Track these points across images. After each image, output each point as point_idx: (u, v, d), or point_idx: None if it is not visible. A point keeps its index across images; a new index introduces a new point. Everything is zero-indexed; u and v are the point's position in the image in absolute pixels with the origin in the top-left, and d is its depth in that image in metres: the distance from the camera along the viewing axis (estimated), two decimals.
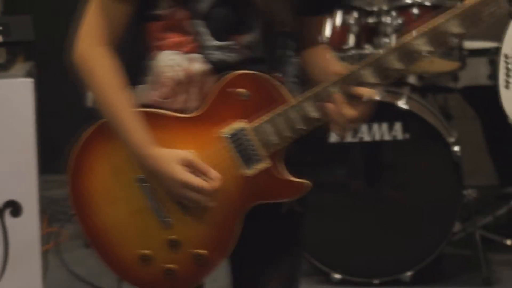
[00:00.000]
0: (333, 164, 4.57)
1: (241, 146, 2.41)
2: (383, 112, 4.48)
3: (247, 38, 2.45)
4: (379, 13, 4.73)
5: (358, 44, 4.65)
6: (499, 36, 5.13)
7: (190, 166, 2.39)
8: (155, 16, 2.48)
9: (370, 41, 4.61)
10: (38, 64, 4.66)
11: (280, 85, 2.40)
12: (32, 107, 3.49)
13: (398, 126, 4.49)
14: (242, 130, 2.40)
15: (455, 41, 2.30)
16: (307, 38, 2.58)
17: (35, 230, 3.46)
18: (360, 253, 4.57)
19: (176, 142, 2.45)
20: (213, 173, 2.38)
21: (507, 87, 3.45)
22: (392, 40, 4.66)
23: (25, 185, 3.42)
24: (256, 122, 2.39)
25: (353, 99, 2.35)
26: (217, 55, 2.44)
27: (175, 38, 2.48)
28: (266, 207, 2.45)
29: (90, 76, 2.47)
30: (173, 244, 2.48)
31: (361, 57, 4.64)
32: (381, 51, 2.34)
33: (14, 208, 3.41)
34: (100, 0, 2.48)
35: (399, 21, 4.69)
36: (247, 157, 2.41)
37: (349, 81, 2.34)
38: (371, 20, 4.71)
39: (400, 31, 4.69)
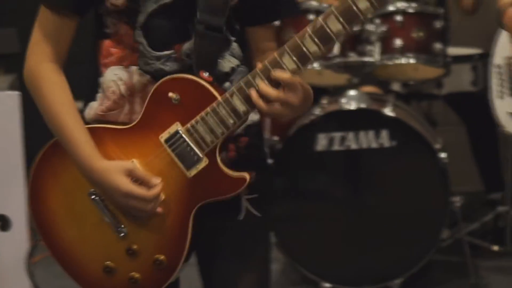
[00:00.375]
0: (321, 172, 4.58)
1: (179, 149, 2.47)
2: (369, 120, 4.53)
3: (186, 46, 2.51)
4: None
5: (343, 52, 4.63)
6: (482, 43, 5.16)
7: (132, 176, 2.43)
8: (105, 34, 2.54)
9: (354, 49, 4.61)
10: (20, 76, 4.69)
11: (208, 84, 2.45)
12: (19, 120, 3.48)
13: (384, 133, 4.50)
14: (177, 133, 2.46)
15: (362, 17, 2.35)
16: (255, 48, 2.64)
17: (24, 243, 3.45)
18: (349, 261, 4.58)
19: (120, 153, 2.50)
20: (153, 180, 2.43)
21: (501, 97, 3.47)
22: (376, 48, 4.68)
23: (13, 199, 3.41)
24: (189, 124, 2.44)
25: (277, 84, 2.38)
26: (156, 65, 2.50)
27: (119, 53, 2.53)
28: (224, 213, 2.52)
29: (38, 92, 2.50)
30: (132, 253, 2.50)
31: (346, 65, 4.67)
32: (296, 37, 2.39)
33: (3, 222, 3.41)
34: (44, 17, 2.51)
35: (383, 28, 4.69)
36: (186, 159, 2.46)
37: (269, 69, 2.39)
38: (355, 28, 4.70)
39: (384, 38, 4.71)
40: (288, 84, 2.39)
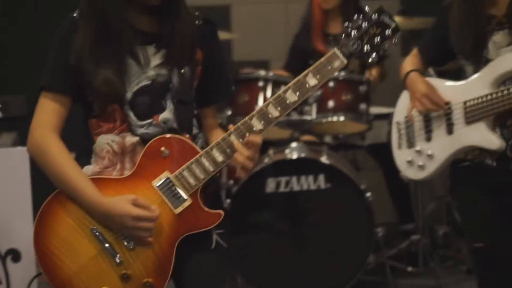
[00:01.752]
0: (270, 210, 4.59)
1: (168, 191, 2.56)
2: (309, 166, 4.56)
3: (162, 116, 2.63)
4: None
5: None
6: (395, 102, 5.25)
7: (136, 204, 2.49)
8: (92, 115, 2.64)
9: (295, 109, 4.63)
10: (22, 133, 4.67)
11: (190, 141, 2.59)
12: (28, 171, 3.49)
13: (321, 177, 4.52)
14: (167, 179, 2.56)
15: (312, 90, 2.56)
16: (204, 123, 2.79)
17: (32, 272, 3.42)
18: (293, 281, 4.58)
19: (118, 195, 2.55)
20: (153, 206, 2.51)
21: (399, 148, 3.54)
22: (313, 108, 4.72)
23: (23, 235, 3.40)
24: (178, 171, 2.55)
25: (247, 144, 2.53)
26: (142, 130, 2.62)
27: (108, 125, 2.63)
28: (199, 242, 2.60)
29: (45, 156, 2.57)
30: (125, 277, 2.55)
31: (289, 122, 4.70)
32: (262, 105, 2.60)
33: (14, 255, 3.40)
34: (45, 98, 2.62)
35: (318, 92, 4.72)
36: (174, 199, 2.56)
37: (241, 129, 2.55)
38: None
39: (319, 100, 4.75)
40: (256, 144, 2.53)
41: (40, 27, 6.35)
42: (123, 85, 2.59)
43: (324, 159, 4.57)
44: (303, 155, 4.62)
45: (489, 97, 3.11)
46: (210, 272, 2.64)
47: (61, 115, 2.63)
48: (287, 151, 4.67)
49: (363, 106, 4.81)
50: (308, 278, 4.57)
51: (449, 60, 3.37)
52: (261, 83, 4.75)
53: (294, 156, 4.62)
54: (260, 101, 4.73)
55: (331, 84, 4.77)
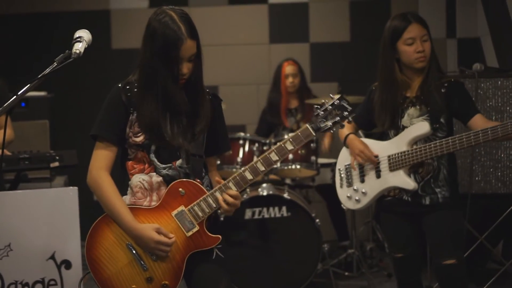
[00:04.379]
0: (247, 232, 4.55)
1: (183, 220, 2.57)
2: (275, 200, 4.55)
3: (178, 162, 2.61)
4: (269, 143, 4.71)
5: None
6: (336, 155, 5.27)
7: (159, 232, 2.52)
8: (128, 158, 2.63)
9: None
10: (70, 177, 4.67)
11: (200, 184, 2.59)
12: (77, 204, 3.44)
13: (284, 208, 4.52)
14: (182, 211, 2.56)
15: (289, 153, 2.59)
16: (209, 166, 2.76)
17: (79, 277, 3.38)
18: (263, 284, 4.54)
19: (147, 221, 2.56)
20: (171, 235, 2.54)
21: (341, 187, 3.55)
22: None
23: (73, 250, 3.34)
24: (190, 206, 2.56)
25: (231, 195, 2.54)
26: (164, 172, 2.60)
27: (140, 167, 2.62)
28: (204, 255, 2.59)
29: (99, 189, 2.57)
30: (149, 280, 2.56)
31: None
32: (253, 162, 2.58)
33: (67, 264, 3.34)
34: (99, 145, 2.60)
35: None
36: (186, 226, 2.56)
37: (237, 179, 2.55)
38: (265, 147, 4.72)
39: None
40: (239, 197, 2.58)
41: (88, 101, 6.40)
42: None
43: (286, 195, 4.57)
44: (271, 192, 4.60)
45: (406, 153, 3.15)
46: (213, 276, 2.63)
47: (110, 158, 2.60)
48: (259, 189, 4.65)
49: (313, 157, 4.82)
50: (274, 280, 4.54)
51: (374, 127, 3.41)
52: (241, 141, 4.74)
53: (265, 193, 4.60)
54: (240, 155, 4.71)
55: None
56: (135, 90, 2.60)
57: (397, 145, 3.19)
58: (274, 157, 2.59)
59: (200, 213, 2.57)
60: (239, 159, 4.69)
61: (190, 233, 2.58)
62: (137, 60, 2.61)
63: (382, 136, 3.31)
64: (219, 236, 2.60)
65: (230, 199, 2.54)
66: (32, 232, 3.18)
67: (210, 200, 2.57)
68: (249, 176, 2.58)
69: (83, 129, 6.30)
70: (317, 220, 4.58)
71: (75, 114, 6.29)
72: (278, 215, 4.53)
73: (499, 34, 5.49)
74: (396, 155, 3.18)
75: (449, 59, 6.07)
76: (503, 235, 4.90)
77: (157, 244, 2.52)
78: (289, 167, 4.79)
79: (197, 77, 2.59)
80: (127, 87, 2.63)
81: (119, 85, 2.64)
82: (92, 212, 6.82)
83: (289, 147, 2.61)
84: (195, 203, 2.57)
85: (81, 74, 6.20)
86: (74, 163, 3.92)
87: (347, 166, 3.43)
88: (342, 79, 6.02)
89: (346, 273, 5.06)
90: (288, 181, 5.06)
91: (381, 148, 3.27)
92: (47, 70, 2.46)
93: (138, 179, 2.62)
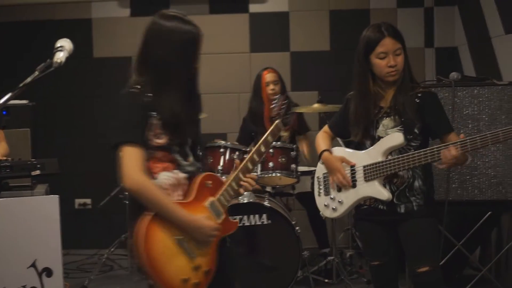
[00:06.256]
0: (229, 238, 4.48)
1: (214, 208, 2.76)
2: (256, 208, 4.58)
3: (191, 158, 2.76)
4: (249, 152, 4.75)
5: None
6: (316, 163, 5.29)
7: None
8: (147, 159, 2.65)
9: None
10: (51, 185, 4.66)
11: (219, 175, 2.87)
12: (58, 212, 3.45)
13: (264, 216, 4.55)
14: (212, 201, 2.76)
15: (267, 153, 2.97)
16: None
17: (60, 285, 3.40)
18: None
19: (192, 212, 2.67)
20: (216, 221, 2.74)
21: (319, 195, 3.57)
22: (258, 167, 4.73)
23: (54, 257, 3.37)
24: (217, 196, 2.77)
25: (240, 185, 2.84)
26: (187, 169, 2.73)
27: (162, 165, 2.68)
28: (222, 243, 2.79)
29: (146, 191, 2.57)
30: (196, 268, 2.67)
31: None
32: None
33: (48, 272, 3.36)
34: (129, 151, 2.58)
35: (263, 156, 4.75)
36: (216, 213, 2.77)
37: (237, 176, 2.83)
38: (245, 155, 4.79)
39: (263, 162, 4.77)
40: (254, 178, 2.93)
41: (69, 109, 6.40)
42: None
43: (266, 203, 4.60)
44: (251, 200, 4.62)
45: (380, 163, 3.18)
46: (232, 257, 2.89)
47: (142, 160, 2.60)
48: (240, 197, 4.62)
49: (293, 165, 4.84)
50: (256, 285, 4.56)
51: (350, 136, 3.41)
52: (221, 150, 4.78)
53: (245, 200, 4.62)
54: (221, 163, 4.72)
55: (271, 150, 4.78)
56: (150, 92, 2.63)
57: (372, 155, 3.22)
58: (262, 148, 2.95)
59: (225, 202, 2.79)
60: (219, 167, 4.71)
61: (219, 220, 2.78)
62: (140, 64, 2.66)
63: (359, 146, 3.34)
64: (236, 220, 2.90)
65: (247, 183, 2.86)
66: (13, 240, 3.19)
67: (229, 189, 2.80)
68: (250, 166, 2.88)
69: (64, 138, 6.43)
70: (297, 228, 4.60)
71: (56, 123, 6.30)
72: (258, 222, 4.55)
73: (476, 43, 5.58)
74: (371, 166, 3.22)
75: (427, 68, 6.15)
76: (480, 241, 4.98)
77: (214, 230, 2.69)
78: (270, 175, 4.81)
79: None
80: (141, 90, 2.64)
81: (132, 90, 2.64)
82: (73, 220, 6.86)
83: (271, 139, 2.96)
84: (220, 193, 2.78)
85: (62, 82, 6.22)
86: (55, 172, 3.94)
87: (325, 175, 3.45)
88: (322, 88, 6.05)
89: (326, 280, 5.07)
90: (268, 189, 5.05)
91: (357, 158, 3.29)
92: (29, 79, 2.49)
93: (165, 177, 2.69)
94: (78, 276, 5.47)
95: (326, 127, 3.54)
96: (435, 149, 3.03)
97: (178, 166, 2.71)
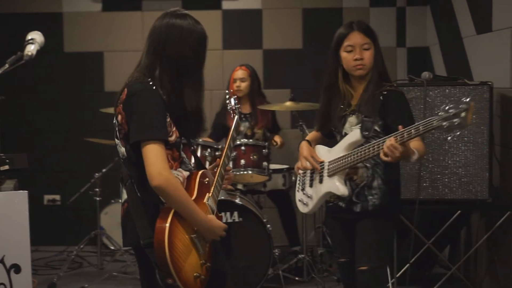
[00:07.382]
0: None
1: (211, 205, 2.80)
2: (227, 206, 4.58)
3: (187, 157, 2.88)
4: (222, 149, 4.72)
5: None
6: (289, 161, 5.30)
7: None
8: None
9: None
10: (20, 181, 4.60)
11: (211, 171, 2.92)
12: (27, 209, 3.42)
13: (236, 213, 4.56)
14: (209, 197, 2.81)
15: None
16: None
17: (29, 281, 3.37)
18: None
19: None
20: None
21: (297, 191, 3.58)
22: (230, 165, 4.72)
23: (22, 253, 3.34)
24: (211, 192, 2.83)
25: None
26: (189, 167, 2.82)
27: (171, 163, 2.71)
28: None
29: (176, 189, 2.59)
30: (203, 263, 2.74)
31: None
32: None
33: (16, 268, 3.33)
34: (155, 149, 2.58)
35: (234, 153, 4.79)
36: (213, 209, 2.81)
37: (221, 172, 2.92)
38: (217, 152, 4.77)
39: (234, 159, 4.81)
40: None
41: (39, 104, 6.33)
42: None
43: (237, 201, 4.61)
44: (223, 197, 4.57)
45: (339, 158, 3.22)
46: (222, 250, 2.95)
47: (165, 155, 2.62)
48: None
49: (265, 163, 4.88)
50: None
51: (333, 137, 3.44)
52: (243, 148, 4.83)
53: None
54: (193, 160, 4.73)
55: (243, 148, 4.81)
56: (168, 87, 2.69)
57: (337, 151, 3.27)
58: (231, 143, 3.11)
59: (216, 196, 2.86)
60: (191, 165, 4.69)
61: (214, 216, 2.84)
62: (153, 59, 2.71)
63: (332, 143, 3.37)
64: (221, 215, 2.95)
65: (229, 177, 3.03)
66: None
67: (217, 185, 2.87)
68: (226, 161, 3.01)
69: (34, 133, 6.36)
70: (269, 226, 4.63)
71: (26, 117, 6.24)
72: (229, 220, 4.55)
73: (447, 43, 5.63)
74: (333, 161, 3.26)
75: (398, 67, 6.20)
76: (450, 240, 5.03)
77: (223, 230, 2.78)
78: (241, 172, 4.85)
79: None
80: (158, 85, 2.68)
81: (153, 87, 2.67)
82: (42, 216, 6.78)
83: (235, 134, 3.13)
84: (212, 188, 2.84)
85: (32, 76, 6.15)
86: (24, 167, 3.87)
87: (303, 171, 3.48)
88: (294, 86, 6.07)
89: (297, 278, 5.09)
90: (240, 186, 5.07)
91: (326, 154, 3.34)
92: None
93: (175, 175, 2.71)
94: (46, 273, 5.43)
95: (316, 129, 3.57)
96: (381, 141, 3.03)
97: (182, 164, 2.77)
